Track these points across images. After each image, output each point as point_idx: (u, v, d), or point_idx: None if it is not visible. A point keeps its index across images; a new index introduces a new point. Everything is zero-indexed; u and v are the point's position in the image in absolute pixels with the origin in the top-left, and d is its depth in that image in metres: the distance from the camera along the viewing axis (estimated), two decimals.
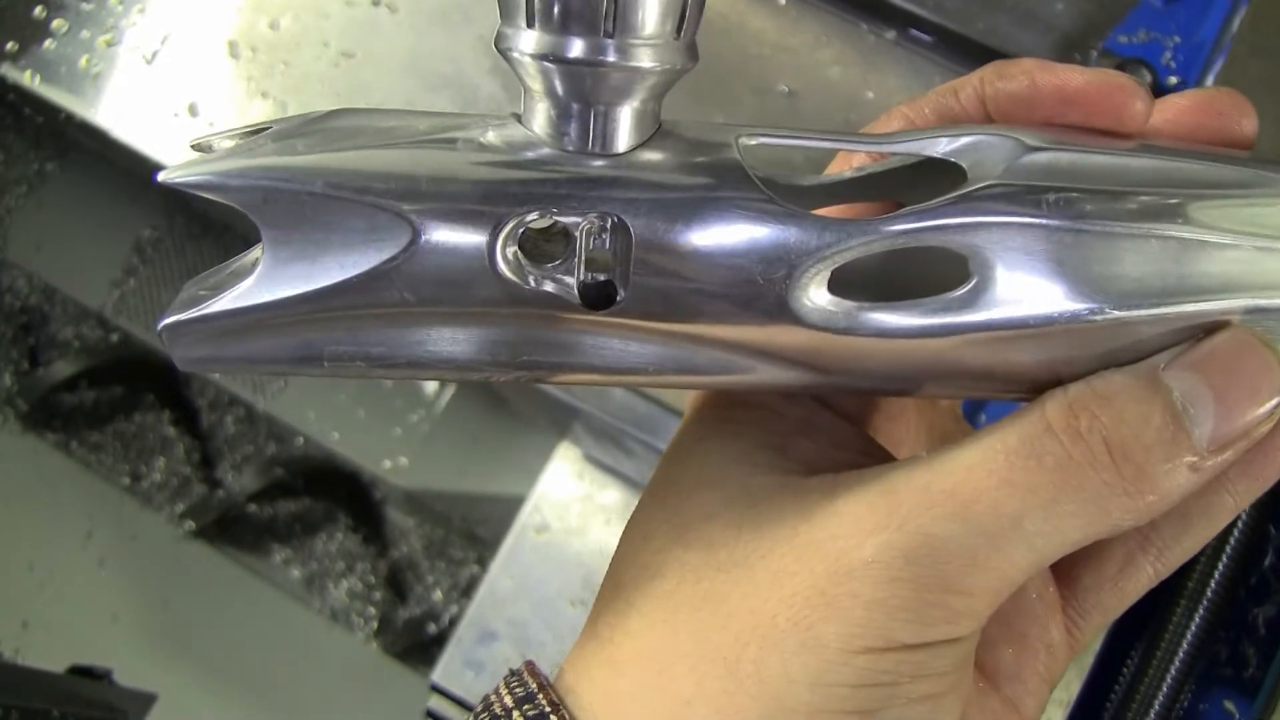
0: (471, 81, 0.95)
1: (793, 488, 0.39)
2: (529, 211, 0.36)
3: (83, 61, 1.00)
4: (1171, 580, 0.79)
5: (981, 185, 0.37)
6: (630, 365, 0.40)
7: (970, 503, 0.36)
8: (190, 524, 1.63)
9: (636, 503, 0.44)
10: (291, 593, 1.61)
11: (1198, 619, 0.79)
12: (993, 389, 0.41)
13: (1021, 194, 0.37)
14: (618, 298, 0.37)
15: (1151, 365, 0.38)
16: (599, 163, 0.37)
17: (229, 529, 1.64)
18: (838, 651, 0.36)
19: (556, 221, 0.36)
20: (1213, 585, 0.79)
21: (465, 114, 0.38)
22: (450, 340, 0.39)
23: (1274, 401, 0.38)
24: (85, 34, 1.00)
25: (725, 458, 0.41)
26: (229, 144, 0.38)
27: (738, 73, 0.94)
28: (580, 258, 0.37)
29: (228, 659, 1.59)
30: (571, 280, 0.37)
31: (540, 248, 0.37)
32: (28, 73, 1.00)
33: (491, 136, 0.37)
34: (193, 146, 0.38)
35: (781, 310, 0.38)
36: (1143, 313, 0.38)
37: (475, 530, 1.53)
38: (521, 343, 0.39)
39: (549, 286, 0.37)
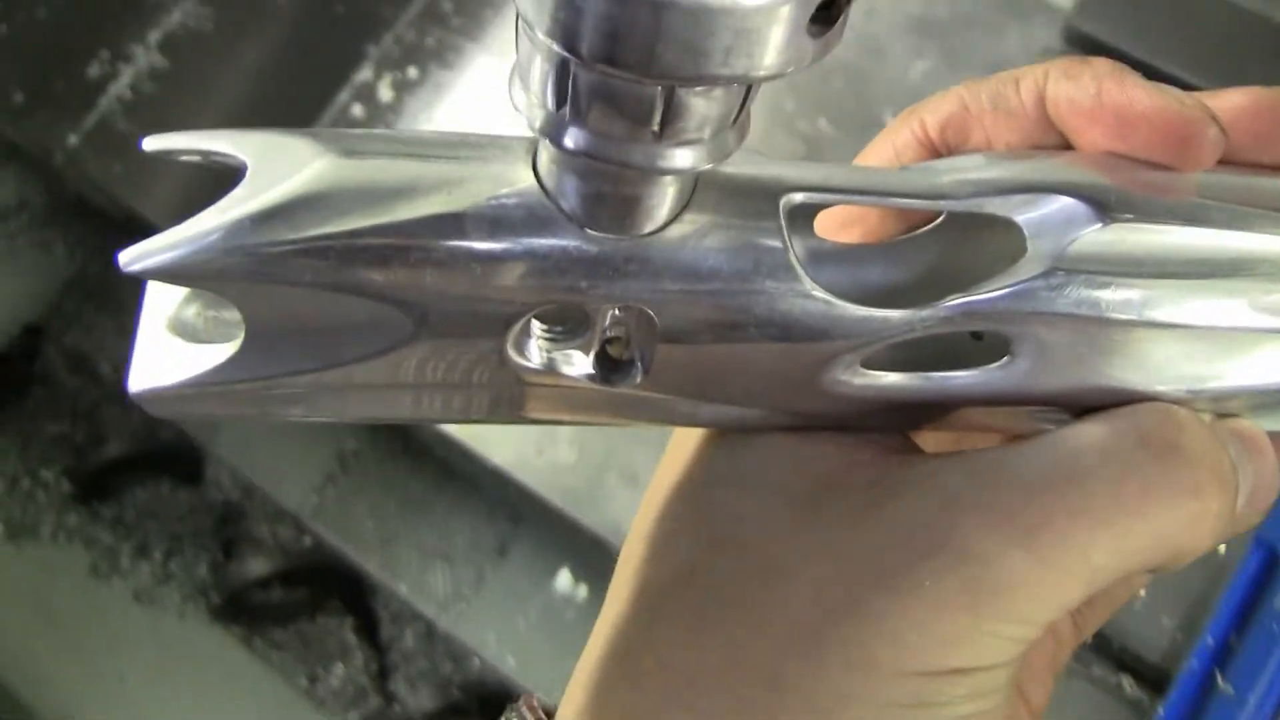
0: None
1: (835, 488, 0.37)
2: (545, 306, 0.33)
3: None
4: None
5: (1039, 274, 0.35)
6: (633, 418, 0.38)
7: (1037, 530, 0.34)
8: None
9: (646, 495, 0.41)
10: None
11: None
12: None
13: (1081, 287, 0.35)
14: (636, 377, 0.35)
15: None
16: (626, 246, 0.33)
17: None
18: (890, 674, 0.34)
19: None
20: None
21: (474, 155, 0.33)
22: (446, 404, 0.36)
23: (1263, 509, 0.37)
24: None
25: (751, 453, 0.39)
26: (193, 156, 0.33)
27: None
28: (598, 337, 0.35)
29: None
30: (588, 358, 0.35)
31: (552, 313, 0.35)
32: None
33: (505, 207, 0.32)
34: (147, 148, 0.34)
35: (810, 390, 0.36)
36: (1184, 391, 0.37)
37: None
38: (526, 401, 0.36)
39: (562, 367, 0.35)
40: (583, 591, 1.50)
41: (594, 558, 1.26)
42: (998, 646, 0.34)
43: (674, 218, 0.33)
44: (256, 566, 1.64)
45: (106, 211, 1.43)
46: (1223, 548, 1.01)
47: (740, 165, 0.35)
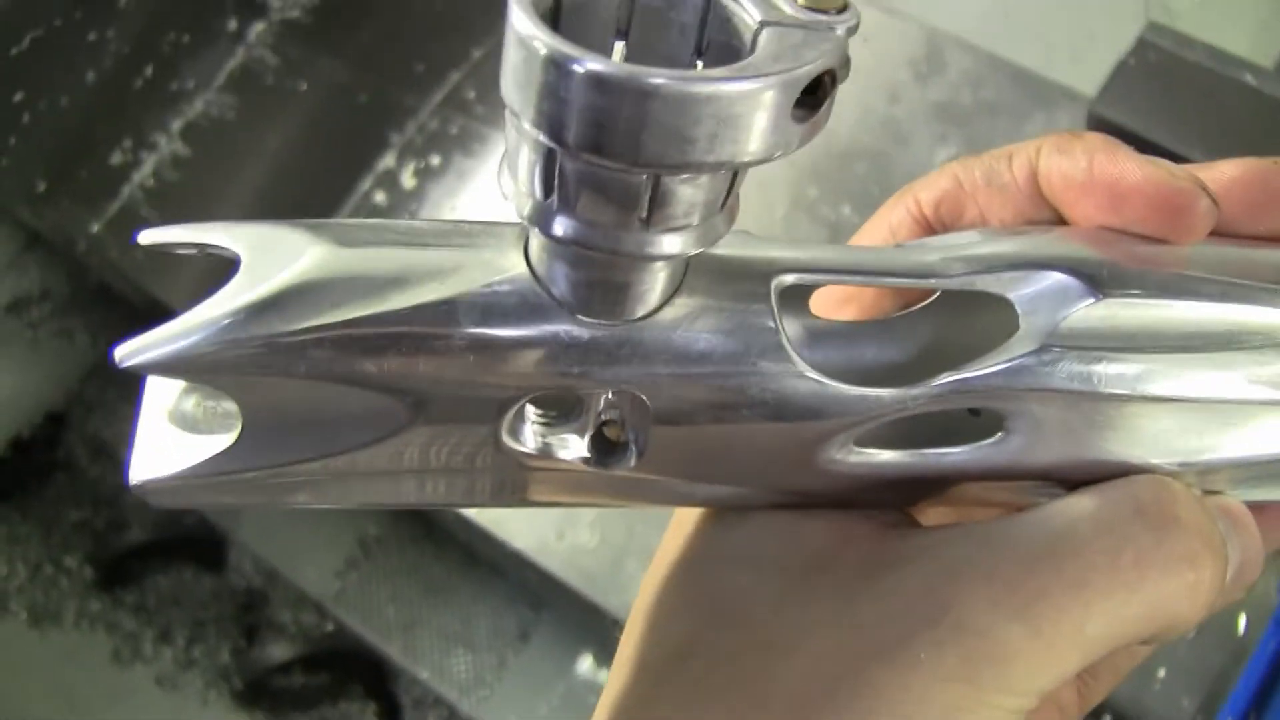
0: None
1: (832, 563, 0.36)
2: (538, 393, 0.33)
3: None
4: None
5: (1032, 350, 0.35)
6: (631, 499, 0.38)
7: (1034, 602, 0.33)
8: None
9: (646, 574, 0.40)
10: None
11: None
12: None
13: (1075, 363, 0.35)
14: (630, 460, 0.35)
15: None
16: (618, 332, 0.32)
17: None
18: None
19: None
20: None
21: (466, 242, 0.33)
22: (450, 489, 0.36)
23: (1247, 584, 0.37)
24: None
25: (749, 530, 0.38)
26: (190, 250, 0.34)
27: None
28: (592, 422, 0.35)
29: None
30: (583, 441, 0.35)
31: (546, 398, 0.34)
32: None
33: (497, 295, 0.32)
34: (144, 243, 0.33)
35: (805, 469, 0.36)
36: (1177, 464, 0.37)
37: None
38: (529, 485, 0.36)
39: (558, 451, 0.35)
40: (604, 676, 1.49)
41: (617, 642, 1.24)
42: (994, 717, 0.34)
43: (666, 302, 0.33)
44: (279, 652, 1.63)
45: (129, 299, 1.43)
46: (1242, 628, 1.00)
47: (732, 246, 0.34)
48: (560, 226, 0.29)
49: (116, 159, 1.43)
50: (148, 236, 0.34)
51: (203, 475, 0.33)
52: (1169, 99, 1.11)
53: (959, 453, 0.37)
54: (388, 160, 1.36)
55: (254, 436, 0.33)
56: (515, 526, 1.20)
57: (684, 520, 0.41)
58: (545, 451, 0.35)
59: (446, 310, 0.31)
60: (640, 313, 0.32)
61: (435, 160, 1.35)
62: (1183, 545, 0.34)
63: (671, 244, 0.29)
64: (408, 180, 1.35)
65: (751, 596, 0.37)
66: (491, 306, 0.32)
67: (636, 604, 0.40)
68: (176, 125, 1.44)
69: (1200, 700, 0.97)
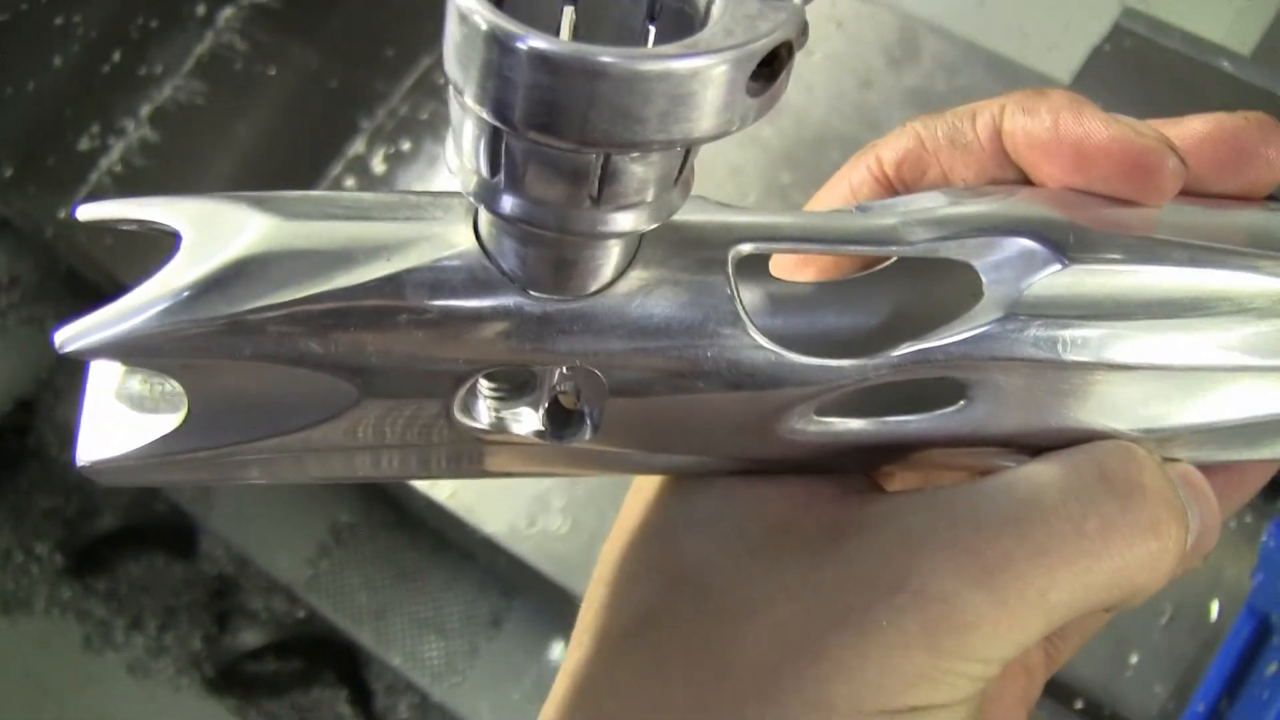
0: None
1: (794, 529, 0.36)
2: (489, 369, 0.32)
3: None
4: None
5: (995, 319, 0.34)
6: (589, 468, 0.38)
7: (997, 570, 0.33)
8: None
9: (606, 541, 0.40)
10: None
11: None
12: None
13: (1039, 331, 0.34)
14: (585, 433, 0.34)
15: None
16: (570, 307, 0.32)
17: None
18: (849, 713, 0.33)
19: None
20: None
21: (414, 215, 0.32)
22: (405, 463, 0.35)
23: (1205, 552, 0.37)
24: None
25: (710, 497, 0.38)
26: (130, 226, 0.33)
27: None
28: (546, 395, 0.34)
29: None
30: (536, 414, 0.34)
31: (499, 372, 0.34)
32: None
33: (446, 270, 0.31)
34: (82, 219, 0.33)
35: (765, 439, 0.35)
36: (1140, 430, 0.37)
37: None
38: (485, 457, 0.36)
39: (511, 425, 0.34)
40: None
41: None
42: (956, 684, 0.33)
43: (620, 275, 0.32)
44: (250, 638, 1.63)
45: (99, 285, 1.42)
46: (1214, 615, 1.00)
47: (689, 214, 0.34)
48: (507, 205, 0.28)
49: (84, 145, 1.42)
50: (86, 211, 0.33)
51: (151, 455, 0.33)
52: (1145, 85, 1.10)
53: (920, 420, 0.36)
54: (358, 146, 1.35)
55: (201, 417, 0.32)
56: (486, 512, 1.20)
57: (644, 487, 0.40)
58: (499, 426, 0.34)
59: (393, 287, 0.31)
60: (593, 287, 0.32)
61: (406, 145, 1.34)
62: (1147, 513, 0.34)
63: (623, 221, 0.28)
64: (378, 166, 1.34)
65: (712, 564, 0.36)
66: (440, 282, 0.31)
67: (597, 572, 0.39)
68: (145, 111, 1.43)
69: (1172, 687, 0.98)
